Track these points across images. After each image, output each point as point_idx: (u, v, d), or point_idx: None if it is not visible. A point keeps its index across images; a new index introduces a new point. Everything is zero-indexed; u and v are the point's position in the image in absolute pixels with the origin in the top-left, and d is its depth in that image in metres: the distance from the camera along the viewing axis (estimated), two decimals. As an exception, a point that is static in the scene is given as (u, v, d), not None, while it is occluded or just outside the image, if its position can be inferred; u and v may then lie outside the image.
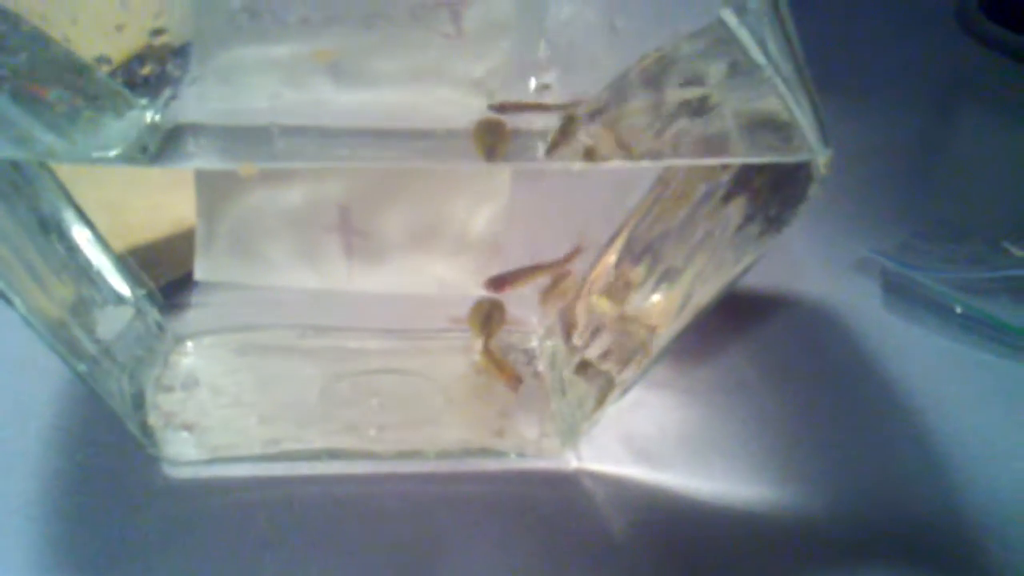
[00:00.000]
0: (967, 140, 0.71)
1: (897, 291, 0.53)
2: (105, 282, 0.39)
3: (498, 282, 0.40)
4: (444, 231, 0.39)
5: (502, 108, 0.30)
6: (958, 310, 0.51)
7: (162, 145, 0.28)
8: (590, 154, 0.30)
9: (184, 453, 0.40)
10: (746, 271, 0.34)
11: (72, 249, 0.38)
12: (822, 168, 0.30)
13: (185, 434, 0.40)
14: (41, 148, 0.29)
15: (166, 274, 0.42)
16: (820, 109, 0.30)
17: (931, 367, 0.49)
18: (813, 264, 0.55)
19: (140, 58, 0.29)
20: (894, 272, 0.53)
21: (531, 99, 0.31)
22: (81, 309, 0.38)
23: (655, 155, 0.31)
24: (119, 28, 0.29)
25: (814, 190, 0.31)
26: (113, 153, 0.28)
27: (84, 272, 0.38)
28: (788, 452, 0.43)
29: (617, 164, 0.31)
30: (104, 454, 0.40)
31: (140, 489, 0.39)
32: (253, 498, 0.39)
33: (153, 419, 0.40)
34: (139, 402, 0.40)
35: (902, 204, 0.62)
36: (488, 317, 0.42)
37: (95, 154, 0.28)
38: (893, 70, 0.77)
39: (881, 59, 0.78)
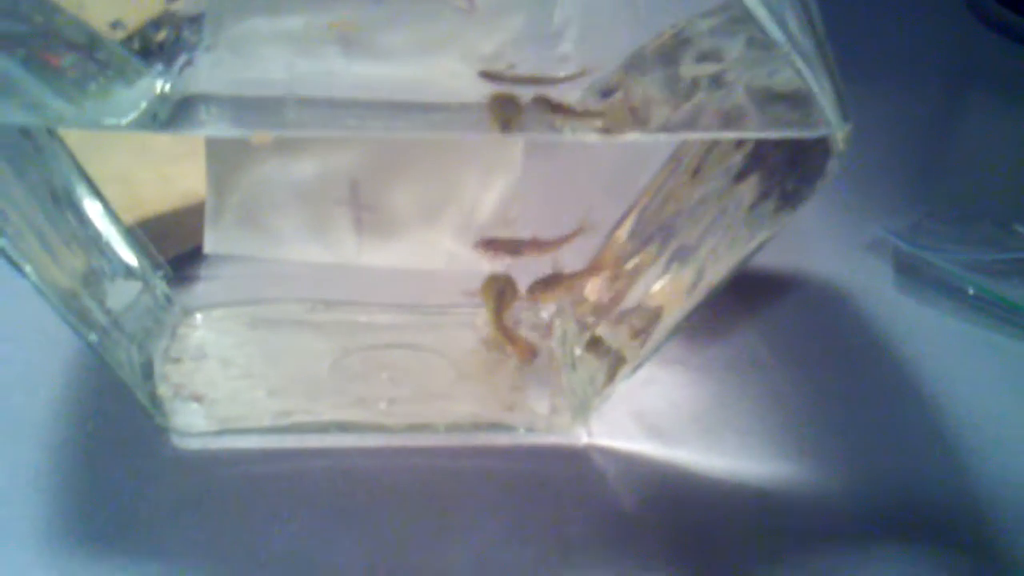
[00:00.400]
0: (977, 123, 0.71)
1: (909, 272, 0.53)
2: (115, 254, 0.39)
3: (490, 244, 0.39)
4: (454, 206, 0.39)
5: (489, 76, 0.30)
6: (970, 291, 0.51)
7: (173, 114, 0.28)
8: (605, 127, 0.30)
9: (193, 424, 0.40)
10: (760, 248, 0.34)
11: (83, 220, 0.37)
12: (840, 143, 0.30)
13: (194, 405, 0.40)
14: (51, 114, 0.28)
15: (175, 247, 0.42)
16: (840, 84, 0.30)
17: (943, 348, 0.48)
18: (824, 243, 0.54)
19: (155, 24, 0.28)
20: (906, 252, 0.53)
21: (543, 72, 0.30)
22: (92, 279, 0.37)
23: (671, 128, 0.31)
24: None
25: (833, 165, 0.31)
26: (124, 120, 0.28)
27: (94, 243, 0.38)
28: (800, 431, 0.43)
29: (633, 137, 0.30)
30: (113, 424, 0.40)
31: (149, 460, 0.39)
32: (262, 471, 0.39)
33: (162, 390, 0.40)
34: (148, 372, 0.40)
35: (913, 186, 0.61)
36: (501, 292, 0.41)
37: (106, 120, 0.28)
38: (904, 55, 0.77)
39: (892, 44, 0.78)
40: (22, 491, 0.37)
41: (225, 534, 0.37)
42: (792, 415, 0.44)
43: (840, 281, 0.52)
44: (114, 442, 0.39)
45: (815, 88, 0.30)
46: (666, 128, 0.31)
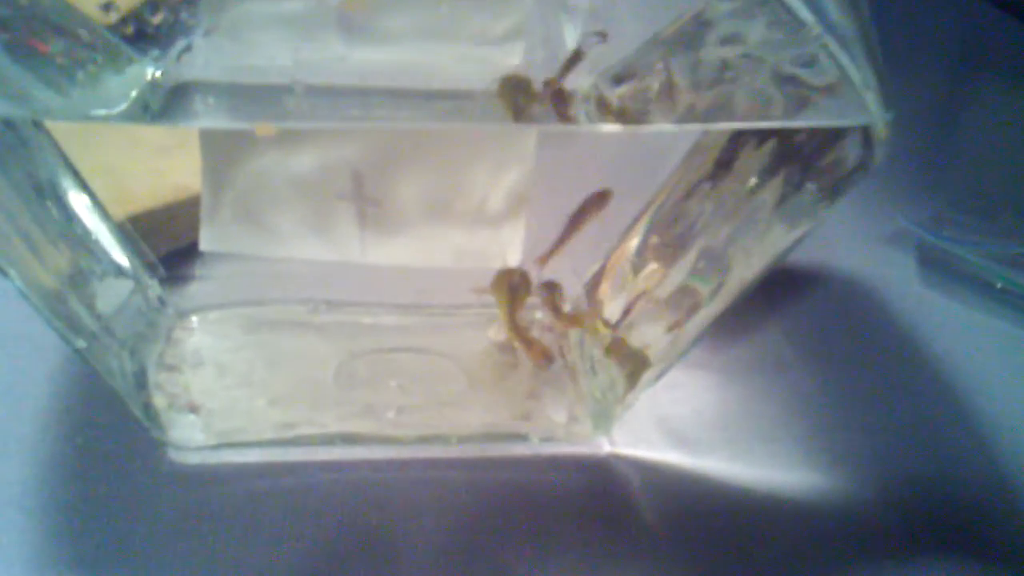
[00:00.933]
0: (991, 107, 0.69)
1: (934, 265, 0.51)
2: (104, 252, 0.37)
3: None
4: (464, 199, 0.37)
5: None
6: (998, 285, 0.49)
7: (165, 103, 0.26)
8: (623, 115, 0.28)
9: (191, 437, 0.38)
10: (796, 245, 0.32)
11: (69, 216, 0.35)
12: (882, 133, 0.28)
13: (191, 417, 0.38)
14: (37, 105, 0.26)
15: (168, 244, 0.40)
16: (882, 68, 0.28)
17: (973, 345, 0.47)
18: (845, 236, 0.53)
19: (151, 6, 0.26)
20: (930, 245, 0.51)
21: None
22: (79, 281, 0.35)
23: (695, 118, 0.29)
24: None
25: (874, 157, 0.29)
26: (113, 111, 0.26)
27: (82, 241, 0.36)
28: (830, 435, 0.41)
29: (659, 127, 0.28)
30: (105, 438, 0.38)
31: (144, 476, 0.37)
32: (266, 486, 0.37)
33: (157, 400, 0.38)
34: (141, 381, 0.38)
35: (930, 174, 0.60)
36: (514, 288, 0.39)
37: (94, 111, 0.26)
38: (914, 37, 0.75)
39: (901, 26, 0.76)
40: (7, 511, 0.35)
41: (227, 556, 0.34)
42: (820, 419, 0.42)
43: (863, 275, 0.50)
44: (106, 457, 0.37)
45: (855, 75, 0.28)
46: (689, 118, 0.29)
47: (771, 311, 0.47)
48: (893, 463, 0.41)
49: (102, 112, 0.26)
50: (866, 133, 0.29)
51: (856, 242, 0.53)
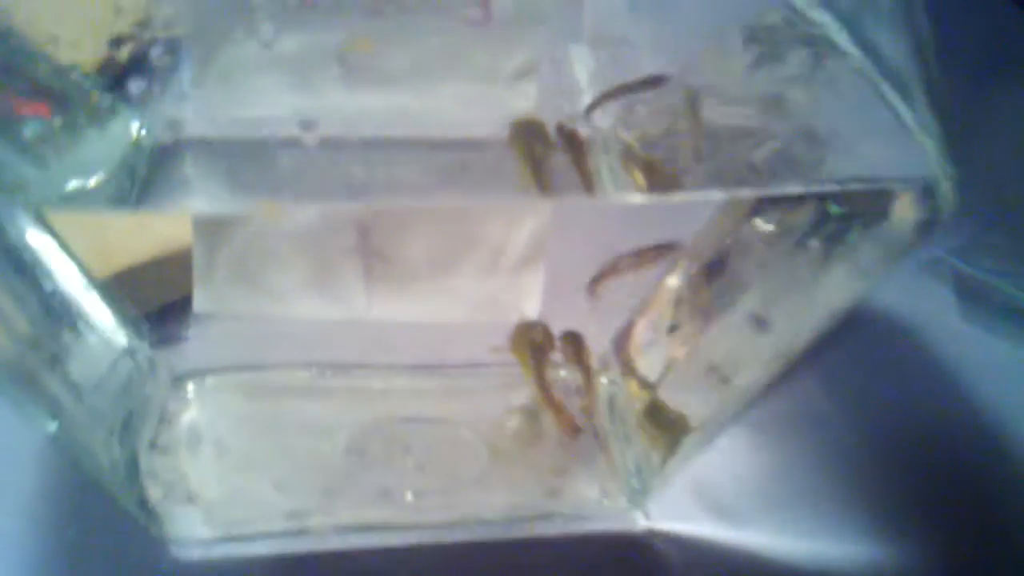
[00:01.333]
0: (1016, 116, 0.66)
1: (972, 297, 0.48)
2: (82, 313, 0.33)
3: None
4: (477, 250, 0.35)
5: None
6: (1039, 318, 0.46)
7: (152, 166, 0.23)
8: (652, 170, 0.24)
9: (191, 531, 0.34)
10: (851, 304, 0.29)
11: (41, 271, 0.32)
12: (948, 193, 0.25)
13: (191, 508, 0.35)
14: (9, 178, 0.23)
15: (156, 301, 0.37)
16: (947, 111, 0.25)
17: (1019, 385, 0.44)
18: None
19: (136, 54, 0.23)
20: (966, 275, 0.49)
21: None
22: (51, 346, 0.31)
23: (732, 171, 0.25)
24: (118, 12, 0.23)
25: (941, 213, 0.26)
26: (94, 180, 0.23)
27: (56, 301, 0.32)
28: (878, 499, 0.39)
29: (689, 194, 0.25)
30: (99, 530, 0.34)
31: (143, 574, 0.34)
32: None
33: (152, 491, 0.34)
34: (133, 470, 0.34)
35: (958, 193, 0.57)
36: (537, 345, 0.36)
37: (72, 183, 0.23)
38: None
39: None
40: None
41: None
42: (865, 479, 0.39)
43: (900, 311, 0.47)
44: (101, 552, 0.34)
45: (913, 123, 0.25)
46: (722, 175, 0.25)
47: (805, 354, 0.44)
48: (949, 529, 0.38)
49: (79, 181, 0.23)
50: (926, 187, 0.26)
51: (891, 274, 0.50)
